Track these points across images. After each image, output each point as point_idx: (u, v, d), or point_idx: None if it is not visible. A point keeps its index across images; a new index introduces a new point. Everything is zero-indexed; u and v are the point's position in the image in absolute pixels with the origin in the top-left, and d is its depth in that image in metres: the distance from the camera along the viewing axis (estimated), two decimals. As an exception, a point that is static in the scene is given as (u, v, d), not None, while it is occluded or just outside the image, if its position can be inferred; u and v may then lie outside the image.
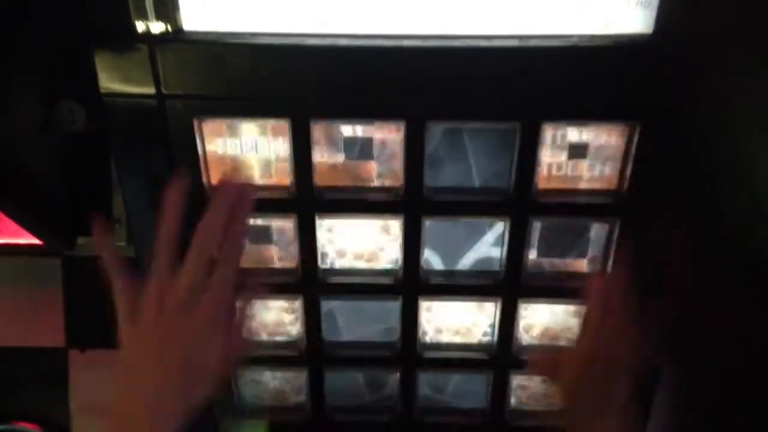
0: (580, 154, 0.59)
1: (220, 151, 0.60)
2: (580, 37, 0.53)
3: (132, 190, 0.60)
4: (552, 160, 0.59)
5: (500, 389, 0.72)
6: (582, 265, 0.65)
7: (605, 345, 0.55)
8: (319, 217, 0.62)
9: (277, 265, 0.66)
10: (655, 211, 0.60)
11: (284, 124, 0.58)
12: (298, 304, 0.67)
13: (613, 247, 0.62)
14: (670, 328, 0.63)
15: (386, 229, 0.63)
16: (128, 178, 0.60)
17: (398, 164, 0.59)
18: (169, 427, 0.47)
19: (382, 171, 0.60)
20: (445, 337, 0.70)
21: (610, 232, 0.62)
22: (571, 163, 0.60)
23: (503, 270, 0.64)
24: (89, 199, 0.69)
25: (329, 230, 0.64)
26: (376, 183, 0.61)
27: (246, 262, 0.64)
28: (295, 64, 0.54)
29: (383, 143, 0.59)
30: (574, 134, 0.58)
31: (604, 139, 0.58)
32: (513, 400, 0.74)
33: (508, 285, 0.65)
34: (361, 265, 0.66)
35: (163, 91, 0.55)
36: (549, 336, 0.69)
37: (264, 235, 0.64)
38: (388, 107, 0.56)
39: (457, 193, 0.61)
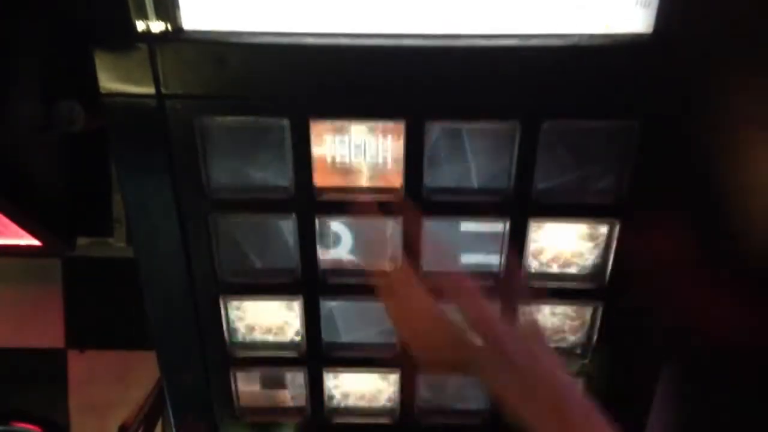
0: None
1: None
2: (581, 36, 0.53)
3: (132, 190, 0.60)
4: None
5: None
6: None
7: None
8: (319, 218, 0.62)
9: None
10: (655, 211, 0.60)
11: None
12: (297, 304, 0.67)
13: (613, 247, 0.62)
14: (669, 329, 0.63)
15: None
16: (128, 178, 0.60)
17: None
18: None
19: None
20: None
21: (610, 232, 0.62)
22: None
23: (503, 271, 0.64)
24: (89, 199, 0.69)
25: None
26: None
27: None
28: (295, 64, 0.54)
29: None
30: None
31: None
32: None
33: (509, 285, 0.64)
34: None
35: (163, 90, 0.55)
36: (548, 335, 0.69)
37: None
38: (388, 107, 0.56)
39: (456, 194, 0.61)
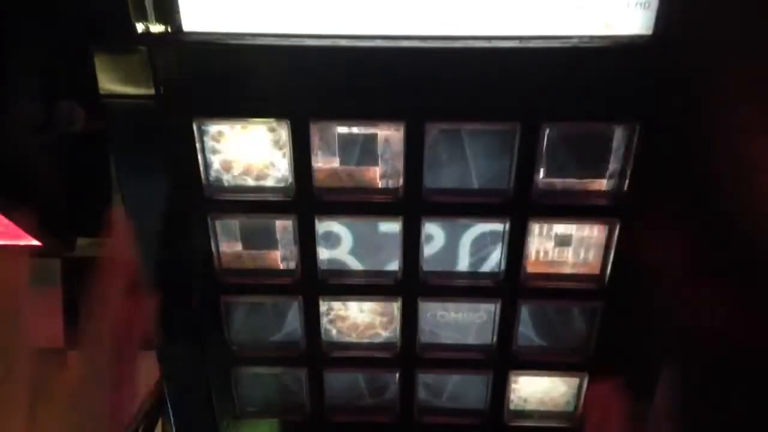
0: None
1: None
2: (580, 37, 0.53)
3: (132, 190, 0.60)
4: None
5: (500, 389, 0.72)
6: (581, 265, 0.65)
7: None
8: (319, 219, 0.62)
9: (281, 266, 0.66)
10: (655, 212, 0.60)
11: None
12: (297, 304, 0.67)
13: (613, 247, 0.62)
14: (670, 329, 0.63)
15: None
16: (128, 179, 0.60)
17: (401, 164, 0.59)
18: None
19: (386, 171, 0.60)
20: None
21: (610, 232, 0.62)
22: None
23: (503, 271, 0.64)
24: (89, 199, 0.69)
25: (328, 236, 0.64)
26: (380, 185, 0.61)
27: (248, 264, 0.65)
28: (295, 65, 0.54)
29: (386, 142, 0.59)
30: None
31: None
32: (513, 400, 0.74)
33: (509, 286, 0.65)
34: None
35: (163, 92, 0.55)
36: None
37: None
38: (387, 107, 0.56)
39: (456, 195, 0.61)
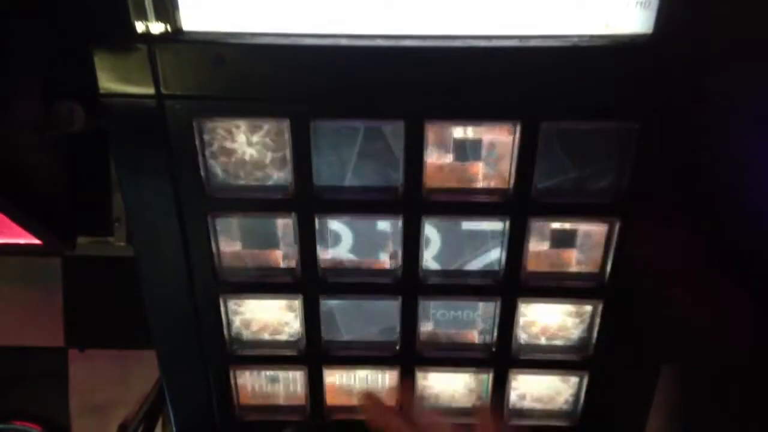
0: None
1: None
2: (580, 37, 0.53)
3: (132, 190, 0.60)
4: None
5: (500, 389, 0.72)
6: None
7: None
8: (319, 217, 0.62)
9: (282, 265, 0.66)
10: (655, 211, 0.60)
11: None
12: (298, 303, 0.67)
13: (613, 247, 0.62)
14: (670, 329, 0.63)
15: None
16: (128, 178, 0.60)
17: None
18: None
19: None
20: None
21: (610, 233, 0.62)
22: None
23: (503, 270, 0.64)
24: (89, 199, 0.69)
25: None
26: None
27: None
28: (294, 64, 0.54)
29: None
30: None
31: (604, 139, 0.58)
32: (513, 400, 0.74)
33: (508, 285, 0.65)
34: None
35: (163, 91, 0.55)
36: (547, 334, 0.69)
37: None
38: (387, 107, 0.56)
39: (456, 194, 0.61)
